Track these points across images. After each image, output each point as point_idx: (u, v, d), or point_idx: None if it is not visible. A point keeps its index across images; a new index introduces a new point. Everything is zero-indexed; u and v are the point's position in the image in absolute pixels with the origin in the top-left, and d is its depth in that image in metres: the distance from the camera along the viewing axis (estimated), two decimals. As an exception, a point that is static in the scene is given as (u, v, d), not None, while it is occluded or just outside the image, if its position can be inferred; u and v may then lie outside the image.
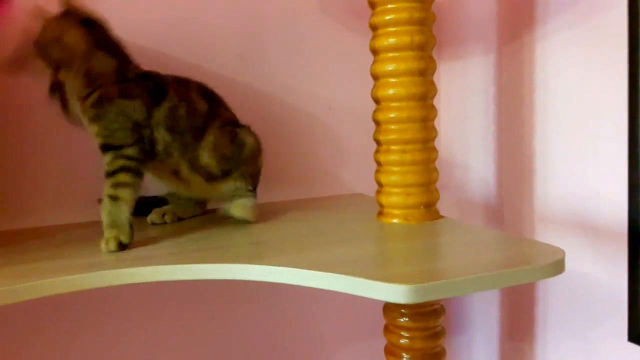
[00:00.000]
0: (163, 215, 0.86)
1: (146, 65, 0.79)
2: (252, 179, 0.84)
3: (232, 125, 0.83)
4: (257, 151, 0.84)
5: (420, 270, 0.55)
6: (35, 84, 0.87)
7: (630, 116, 0.74)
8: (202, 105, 0.81)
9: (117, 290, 0.96)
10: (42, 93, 0.74)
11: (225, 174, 0.81)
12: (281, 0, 1.02)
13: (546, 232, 0.89)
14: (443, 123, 1.15)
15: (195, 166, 0.79)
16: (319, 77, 1.06)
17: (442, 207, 1.16)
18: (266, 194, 1.01)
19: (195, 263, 0.62)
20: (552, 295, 0.90)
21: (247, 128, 0.85)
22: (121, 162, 0.71)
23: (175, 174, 0.80)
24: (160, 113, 0.76)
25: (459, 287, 0.52)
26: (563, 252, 0.59)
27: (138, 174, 0.73)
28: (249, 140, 0.83)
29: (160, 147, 0.76)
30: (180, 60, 0.81)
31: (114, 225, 0.69)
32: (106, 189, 0.71)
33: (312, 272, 0.56)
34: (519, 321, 0.98)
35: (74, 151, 0.91)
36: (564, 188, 0.85)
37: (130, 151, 0.72)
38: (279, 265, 0.59)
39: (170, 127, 0.76)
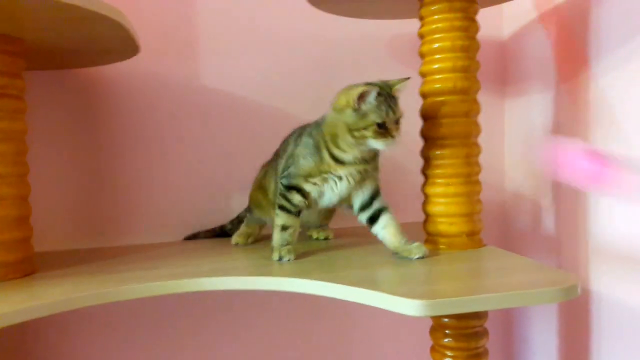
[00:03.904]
0: (247, 237, 1.01)
1: (246, 109, 1.05)
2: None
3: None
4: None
5: (440, 290, 0.64)
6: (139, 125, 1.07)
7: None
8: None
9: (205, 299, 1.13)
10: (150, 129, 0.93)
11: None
12: (352, 55, 1.16)
13: (600, 265, 0.92)
14: (507, 155, 1.21)
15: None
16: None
17: (506, 237, 1.20)
18: (342, 221, 1.14)
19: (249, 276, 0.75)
20: (606, 326, 0.91)
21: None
22: None
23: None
24: None
25: (463, 305, 0.60)
26: (577, 279, 0.65)
27: None
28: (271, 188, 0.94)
29: None
30: (270, 106, 1.01)
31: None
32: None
33: (343, 286, 0.66)
34: (576, 351, 1.00)
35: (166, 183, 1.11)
36: (617, 222, 0.88)
37: None
38: (320, 280, 0.70)
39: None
